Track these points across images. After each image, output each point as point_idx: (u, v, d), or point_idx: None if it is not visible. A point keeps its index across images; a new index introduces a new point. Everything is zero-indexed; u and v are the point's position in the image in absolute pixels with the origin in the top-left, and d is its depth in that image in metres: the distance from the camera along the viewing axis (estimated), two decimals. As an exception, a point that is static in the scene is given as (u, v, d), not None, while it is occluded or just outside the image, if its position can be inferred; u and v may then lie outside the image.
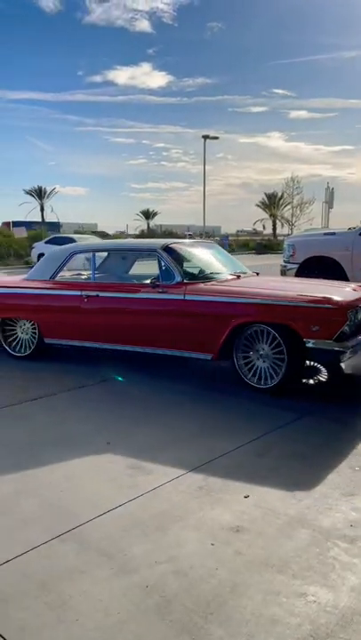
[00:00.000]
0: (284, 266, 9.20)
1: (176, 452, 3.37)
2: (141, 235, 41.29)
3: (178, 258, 5.19)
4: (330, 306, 4.25)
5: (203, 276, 5.21)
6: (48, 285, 5.67)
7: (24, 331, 5.81)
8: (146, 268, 6.08)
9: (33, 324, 5.73)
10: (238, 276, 5.39)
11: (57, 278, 5.70)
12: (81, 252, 5.89)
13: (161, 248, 5.17)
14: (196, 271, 5.29)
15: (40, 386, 4.79)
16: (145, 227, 55.02)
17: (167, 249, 5.19)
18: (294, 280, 6.00)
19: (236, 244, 39.22)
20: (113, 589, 2.10)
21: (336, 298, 4.34)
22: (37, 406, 4.29)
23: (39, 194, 49.68)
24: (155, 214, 60.54)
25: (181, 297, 4.85)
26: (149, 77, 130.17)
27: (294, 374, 4.51)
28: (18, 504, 2.75)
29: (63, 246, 6.54)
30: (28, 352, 5.75)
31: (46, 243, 20.30)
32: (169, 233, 40.30)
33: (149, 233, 44.31)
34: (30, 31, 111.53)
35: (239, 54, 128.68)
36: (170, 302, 4.92)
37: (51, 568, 2.24)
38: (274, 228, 49.90)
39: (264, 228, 51.46)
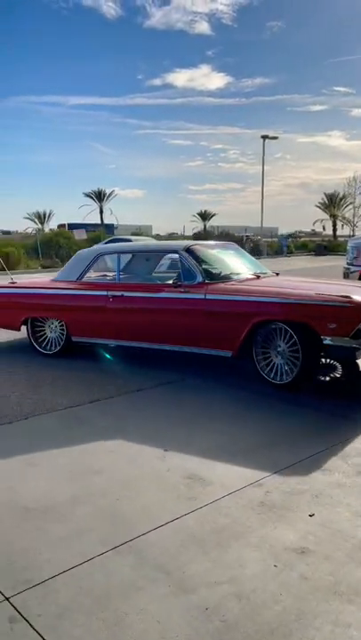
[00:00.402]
0: (348, 268, 8.85)
1: (236, 462, 3.24)
2: (197, 236, 41.19)
3: (199, 259, 5.33)
4: (347, 304, 4.34)
5: (223, 276, 5.32)
6: (75, 286, 5.90)
7: (52, 329, 6.03)
8: (168, 269, 6.23)
9: (61, 323, 5.92)
10: (258, 276, 5.53)
11: (84, 279, 5.91)
12: (106, 253, 6.14)
13: (183, 249, 5.34)
14: (216, 271, 5.38)
15: (96, 388, 4.77)
16: (201, 228, 54.95)
17: (189, 250, 5.34)
18: (313, 280, 6.11)
19: (293, 245, 38.44)
20: (171, 609, 2.00)
21: (353, 297, 4.40)
22: (95, 410, 4.27)
23: (98, 196, 50.75)
24: (212, 216, 60.36)
25: (202, 296, 4.99)
26: (208, 79, 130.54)
27: (309, 371, 4.63)
28: (73, 512, 2.71)
29: (89, 248, 6.75)
30: (56, 350, 5.96)
31: (105, 245, 20.59)
32: (225, 234, 39.98)
33: (206, 234, 44.17)
34: (92, 37, 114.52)
35: (299, 53, 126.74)
36: (191, 302, 5.07)
37: (106, 582, 2.16)
38: (334, 229, 48.53)
39: (324, 229, 50.15)
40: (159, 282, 5.85)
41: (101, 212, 50.50)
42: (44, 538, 2.47)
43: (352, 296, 4.42)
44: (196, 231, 49.08)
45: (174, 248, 5.65)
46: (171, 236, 48.62)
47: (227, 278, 5.30)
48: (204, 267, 5.26)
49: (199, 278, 5.12)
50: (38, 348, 6.09)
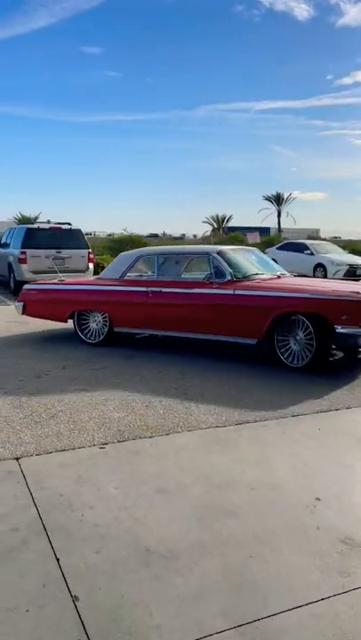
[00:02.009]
0: None
1: None
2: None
3: (228, 260, 6.14)
4: (357, 299, 5.24)
5: (248, 275, 6.12)
6: (118, 283, 6.76)
7: (96, 321, 6.80)
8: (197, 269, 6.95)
9: (104, 316, 6.70)
10: (279, 276, 6.41)
11: (126, 277, 6.75)
12: (146, 255, 7.05)
13: (215, 252, 6.22)
14: (243, 271, 6.16)
15: (246, 407, 4.32)
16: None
17: (220, 253, 6.22)
18: (326, 280, 7.33)
19: None
20: None
21: None
22: (242, 433, 3.82)
23: (277, 200, 50.11)
24: None
25: (232, 292, 5.82)
26: None
27: (323, 355, 5.42)
28: (198, 564, 2.30)
29: (131, 251, 7.61)
30: (99, 339, 6.74)
31: (279, 249, 19.94)
32: None
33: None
34: (283, 42, 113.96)
35: None
36: (222, 297, 5.88)
37: None
38: None
39: None
40: (192, 280, 6.52)
41: (279, 215, 49.78)
42: (160, 593, 2.11)
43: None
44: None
45: (207, 251, 6.50)
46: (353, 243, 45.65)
47: (252, 277, 6.11)
48: (232, 267, 6.05)
49: (228, 277, 5.94)
50: (83, 338, 6.84)
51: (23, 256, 11.92)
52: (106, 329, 6.68)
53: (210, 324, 5.99)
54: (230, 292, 5.82)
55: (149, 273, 6.77)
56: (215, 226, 48.80)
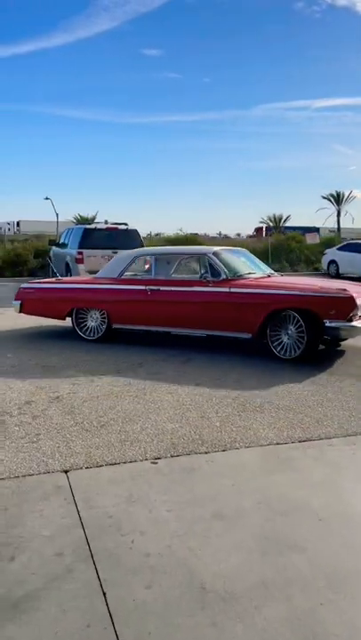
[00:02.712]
0: None
1: None
2: None
3: (223, 260, 6.52)
4: (344, 295, 5.66)
5: (242, 274, 6.52)
6: (117, 282, 7.00)
7: (94, 319, 7.05)
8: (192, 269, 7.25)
9: (102, 313, 6.97)
10: (269, 275, 6.88)
11: (123, 276, 7.00)
12: (143, 255, 7.52)
13: (211, 253, 6.61)
14: (237, 270, 6.56)
15: (308, 421, 3.98)
16: None
17: (215, 253, 6.61)
18: (314, 278, 7.77)
19: None
20: None
21: (349, 290, 5.75)
22: (306, 451, 3.50)
23: (337, 199, 48.59)
24: None
25: (227, 290, 6.19)
26: None
27: (313, 348, 5.84)
28: (260, 609, 2.02)
29: (128, 251, 7.84)
30: (98, 336, 6.99)
31: (339, 249, 19.17)
32: None
33: None
34: (344, 37, 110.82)
35: None
36: (218, 294, 6.25)
37: None
38: None
39: None
40: (189, 278, 6.80)
41: (338, 215, 48.24)
42: (216, 643, 1.85)
43: (347, 289, 5.81)
44: None
45: (203, 251, 6.97)
46: None
47: (245, 276, 6.51)
48: (226, 267, 6.43)
49: (223, 275, 6.31)
50: (82, 335, 7.07)
51: (80, 256, 11.99)
52: (104, 326, 6.95)
53: (206, 321, 6.37)
54: (226, 289, 6.19)
55: (147, 272, 7.13)
56: (272, 225, 47.90)
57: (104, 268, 7.64)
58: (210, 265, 6.45)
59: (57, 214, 28.67)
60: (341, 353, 6.40)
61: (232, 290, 6.17)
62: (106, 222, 14.14)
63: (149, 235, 32.23)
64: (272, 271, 7.26)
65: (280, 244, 24.47)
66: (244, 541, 2.46)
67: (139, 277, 7.08)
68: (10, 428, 3.84)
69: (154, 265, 6.98)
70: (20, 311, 7.56)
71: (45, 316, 7.72)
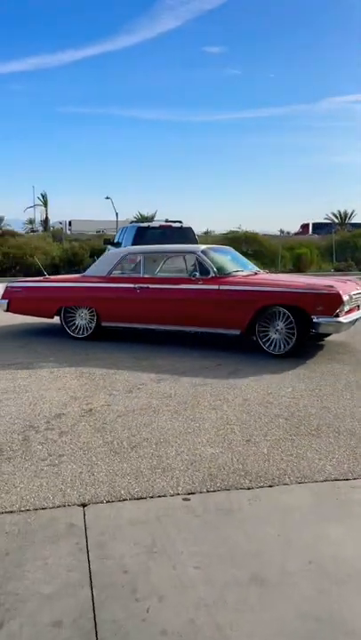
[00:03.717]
0: None
1: None
2: None
3: (212, 258, 6.61)
4: (331, 292, 5.88)
5: (230, 272, 6.62)
6: (106, 280, 7.05)
7: (82, 317, 7.08)
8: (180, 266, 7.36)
9: (91, 311, 7.01)
10: (255, 273, 6.97)
11: (112, 274, 7.04)
12: (133, 253, 7.41)
13: (200, 251, 6.68)
14: (225, 268, 6.65)
15: (379, 453, 3.37)
16: None
17: (204, 252, 6.69)
18: (300, 275, 8.10)
19: None
20: None
21: (336, 287, 5.95)
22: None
23: None
24: None
25: (216, 287, 6.27)
26: None
27: (301, 343, 6.01)
28: None
29: (117, 249, 8.21)
30: (87, 334, 7.03)
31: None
32: None
33: None
34: None
35: None
36: (207, 292, 6.32)
37: None
38: None
39: None
40: (178, 276, 6.87)
41: None
42: None
43: (334, 286, 5.96)
44: None
45: (192, 250, 6.98)
46: None
47: (233, 274, 6.61)
48: (215, 265, 6.52)
49: (212, 273, 6.42)
50: (70, 333, 7.10)
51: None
52: (93, 324, 6.99)
53: (196, 318, 6.42)
54: (215, 287, 6.27)
55: (136, 270, 7.08)
56: (337, 222, 46.11)
57: (92, 266, 7.62)
58: (199, 263, 6.54)
59: (117, 213, 28.76)
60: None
61: (221, 287, 6.25)
62: (167, 220, 13.79)
63: (206, 232, 31.65)
64: (258, 269, 7.39)
65: (345, 242, 23.31)
66: (286, 620, 1.94)
67: (128, 275, 7.06)
68: (33, 446, 3.47)
69: (143, 263, 6.98)
70: (7, 310, 7.53)
71: (33, 315, 7.75)
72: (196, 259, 6.61)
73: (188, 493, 2.85)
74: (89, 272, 7.50)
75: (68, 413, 4.11)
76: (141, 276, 6.90)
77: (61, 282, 7.70)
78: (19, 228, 47.47)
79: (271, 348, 6.03)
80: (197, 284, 6.40)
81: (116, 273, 7.10)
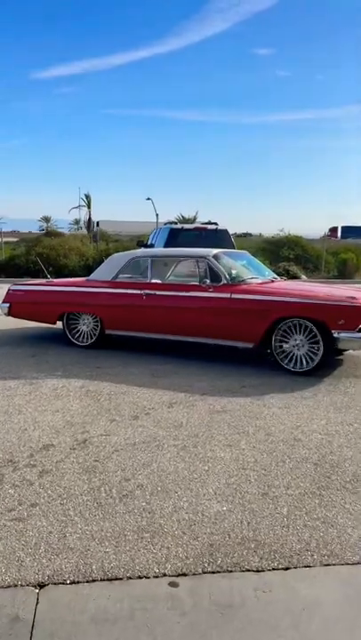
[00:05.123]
0: None
1: None
2: None
3: (224, 264, 6.08)
4: (355, 304, 5.28)
5: (244, 279, 6.09)
6: (111, 285, 6.53)
7: (86, 324, 6.60)
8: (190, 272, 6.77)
9: (95, 318, 6.53)
10: (272, 280, 6.48)
11: (118, 279, 6.52)
12: (140, 257, 6.80)
13: (211, 256, 6.06)
14: (238, 275, 6.11)
15: None
16: None
17: (216, 256, 6.09)
18: (320, 284, 7.54)
19: None
20: None
21: (359, 298, 5.35)
22: None
23: None
24: None
25: (228, 296, 5.76)
26: None
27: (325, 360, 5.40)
28: None
29: (123, 252, 7.53)
30: (91, 342, 6.57)
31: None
32: None
33: None
34: None
35: None
36: (218, 300, 5.80)
37: None
38: None
39: None
40: (188, 283, 6.32)
41: None
42: None
43: (357, 297, 5.39)
44: None
45: (203, 254, 6.22)
46: None
47: (247, 281, 6.06)
48: (228, 271, 5.99)
49: (224, 280, 5.87)
50: (73, 340, 6.64)
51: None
52: (97, 331, 6.53)
53: (205, 328, 5.94)
54: (227, 295, 5.77)
55: (143, 275, 6.55)
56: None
57: (98, 269, 7.08)
58: (210, 269, 6.00)
59: (157, 214, 28.31)
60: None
61: (233, 296, 5.74)
62: (209, 222, 13.15)
63: (246, 234, 30.79)
64: (275, 275, 6.90)
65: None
66: None
67: (134, 281, 6.50)
68: (4, 490, 2.90)
69: (150, 268, 6.46)
70: (9, 314, 7.11)
71: (35, 320, 7.29)
72: (208, 264, 6.03)
73: (178, 575, 2.20)
74: (94, 275, 6.98)
75: (58, 444, 3.53)
76: (149, 281, 6.36)
77: (64, 286, 7.15)
78: (64, 229, 48.04)
79: (291, 365, 5.45)
80: (208, 291, 5.88)
81: (123, 277, 6.56)
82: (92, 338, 6.59)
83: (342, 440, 3.69)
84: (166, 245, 11.28)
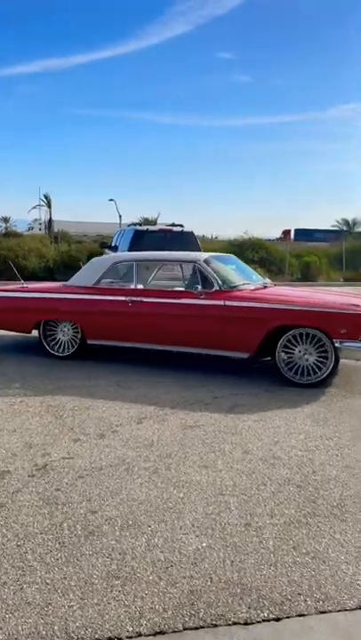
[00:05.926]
0: None
1: None
2: None
3: (215, 269, 5.72)
4: (357, 312, 5.04)
5: (236, 285, 5.71)
6: (92, 291, 6.08)
7: (65, 333, 6.16)
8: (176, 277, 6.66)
9: (75, 327, 6.10)
10: (265, 286, 6.11)
11: (100, 285, 6.09)
12: (124, 261, 6.37)
13: (202, 260, 5.75)
14: (230, 280, 5.74)
15: None
16: None
17: (207, 261, 5.77)
18: (315, 290, 7.08)
19: None
20: None
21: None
22: None
23: None
24: None
25: (221, 303, 5.41)
26: None
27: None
28: None
29: (105, 256, 7.43)
30: (70, 352, 6.12)
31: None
32: None
33: None
34: None
35: None
36: (211, 308, 5.46)
37: None
38: None
39: None
40: (177, 289, 6.04)
41: None
42: None
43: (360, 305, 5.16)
44: None
45: (193, 259, 5.97)
46: None
47: (240, 287, 5.70)
48: (220, 276, 5.63)
49: (216, 286, 5.52)
50: (50, 351, 6.19)
51: (129, 260, 10.77)
52: (77, 341, 6.09)
53: (196, 337, 5.59)
54: (220, 302, 5.42)
55: (128, 280, 6.19)
56: (345, 229, 45.10)
57: (78, 273, 6.58)
58: (200, 274, 5.67)
59: (120, 216, 27.91)
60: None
61: (227, 303, 5.39)
62: (174, 224, 12.87)
63: (211, 237, 30.67)
64: (267, 280, 6.60)
65: (356, 250, 22.34)
66: None
67: (118, 286, 6.15)
68: None
69: (136, 272, 6.07)
70: None
71: (7, 329, 6.76)
72: (198, 269, 5.70)
73: (156, 633, 1.89)
74: (73, 281, 6.49)
75: (15, 471, 3.16)
76: (134, 287, 5.98)
77: (40, 292, 6.63)
78: (24, 230, 46.80)
79: (298, 376, 5.13)
80: (199, 298, 5.51)
81: (105, 282, 6.14)
82: (71, 348, 6.15)
83: (323, 457, 3.46)
84: (131, 247, 10.93)
